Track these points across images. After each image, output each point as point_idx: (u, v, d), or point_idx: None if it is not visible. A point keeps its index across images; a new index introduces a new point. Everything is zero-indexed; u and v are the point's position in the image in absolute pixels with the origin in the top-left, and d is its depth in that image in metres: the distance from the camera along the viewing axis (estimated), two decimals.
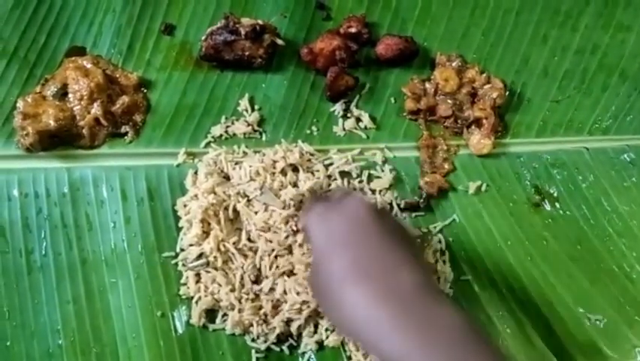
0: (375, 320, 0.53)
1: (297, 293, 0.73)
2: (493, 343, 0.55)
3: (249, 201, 0.76)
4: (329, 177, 0.80)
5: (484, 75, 0.86)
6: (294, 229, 0.73)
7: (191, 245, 0.75)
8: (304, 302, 0.72)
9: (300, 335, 0.74)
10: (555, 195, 0.84)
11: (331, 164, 0.81)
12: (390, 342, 0.52)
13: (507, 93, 0.86)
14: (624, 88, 0.89)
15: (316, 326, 0.75)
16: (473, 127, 0.84)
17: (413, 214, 0.81)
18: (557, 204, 0.83)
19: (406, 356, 0.51)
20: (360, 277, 0.56)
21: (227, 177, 0.78)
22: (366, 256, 0.58)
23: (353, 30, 0.83)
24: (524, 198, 0.83)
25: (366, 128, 0.84)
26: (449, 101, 0.84)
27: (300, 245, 0.73)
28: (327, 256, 0.59)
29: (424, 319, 0.53)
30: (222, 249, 0.74)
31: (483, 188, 0.83)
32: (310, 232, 0.64)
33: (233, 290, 0.74)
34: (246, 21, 0.81)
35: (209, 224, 0.75)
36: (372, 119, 0.84)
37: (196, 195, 0.76)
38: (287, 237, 0.74)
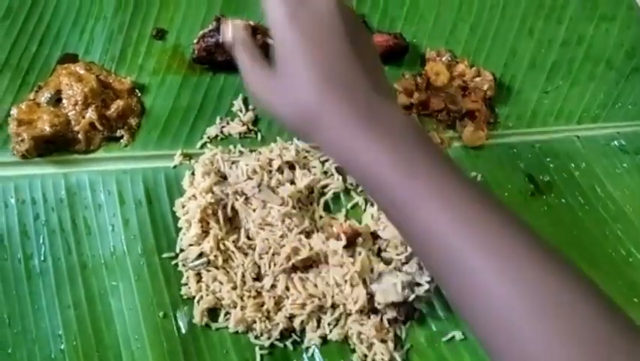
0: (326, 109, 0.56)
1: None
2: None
3: (246, 199, 0.76)
4: (325, 173, 0.81)
5: (474, 68, 0.87)
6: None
7: (190, 245, 0.75)
8: (308, 296, 0.72)
9: (303, 331, 0.74)
10: (549, 183, 0.85)
11: (327, 160, 0.81)
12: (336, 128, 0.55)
13: (496, 86, 0.87)
14: (611, 77, 0.91)
15: (319, 321, 0.74)
16: (466, 119, 0.85)
17: None
18: (552, 193, 0.84)
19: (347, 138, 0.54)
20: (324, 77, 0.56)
21: (224, 177, 0.78)
22: (329, 55, 0.58)
23: None
24: (519, 187, 0.84)
25: None
26: (441, 94, 0.85)
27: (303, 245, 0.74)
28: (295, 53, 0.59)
29: (374, 114, 0.55)
30: (222, 248, 0.74)
31: (478, 179, 0.83)
32: (277, 25, 0.61)
33: (234, 288, 0.73)
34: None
35: (208, 223, 0.75)
36: None
37: (194, 195, 0.76)
38: (281, 236, 0.74)
